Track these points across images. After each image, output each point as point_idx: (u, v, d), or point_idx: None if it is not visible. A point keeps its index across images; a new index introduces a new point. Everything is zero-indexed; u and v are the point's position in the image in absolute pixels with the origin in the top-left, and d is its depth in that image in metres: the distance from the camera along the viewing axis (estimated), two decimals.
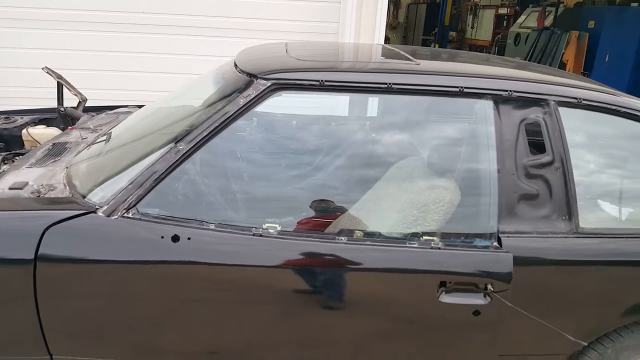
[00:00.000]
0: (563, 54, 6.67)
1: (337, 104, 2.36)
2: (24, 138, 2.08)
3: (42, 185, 1.42)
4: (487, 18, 10.83)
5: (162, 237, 1.27)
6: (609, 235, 1.42)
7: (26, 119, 2.24)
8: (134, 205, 1.28)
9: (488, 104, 1.43)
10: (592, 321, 1.45)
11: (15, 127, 2.14)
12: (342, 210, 1.61)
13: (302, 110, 2.14)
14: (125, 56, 3.60)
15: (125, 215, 1.28)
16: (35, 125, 2.17)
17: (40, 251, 1.24)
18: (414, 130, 1.85)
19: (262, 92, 1.36)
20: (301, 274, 1.34)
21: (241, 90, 1.38)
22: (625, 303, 1.43)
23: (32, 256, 1.24)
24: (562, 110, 1.44)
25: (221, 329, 1.39)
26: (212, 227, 1.30)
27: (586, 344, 1.48)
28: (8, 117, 2.23)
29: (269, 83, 1.36)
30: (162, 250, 1.27)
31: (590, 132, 1.56)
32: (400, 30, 15.09)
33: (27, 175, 1.49)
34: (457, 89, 1.42)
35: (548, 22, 7.77)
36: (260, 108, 1.42)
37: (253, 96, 1.35)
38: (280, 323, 1.39)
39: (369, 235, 1.40)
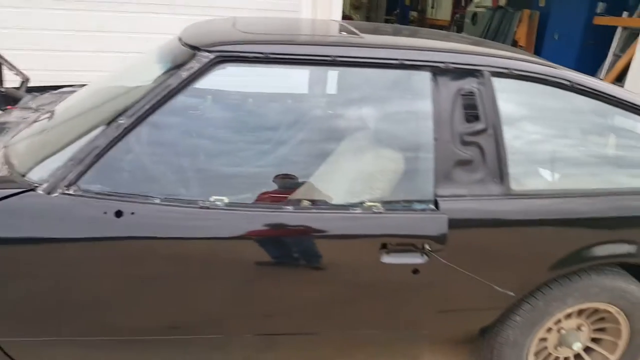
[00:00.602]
0: (515, 32, 6.85)
1: (298, 82, 2.36)
2: None
3: None
4: None
5: (105, 213, 1.25)
6: (537, 196, 1.50)
7: None
8: (74, 182, 1.26)
9: (426, 76, 1.47)
10: (523, 276, 1.54)
11: None
12: (298, 185, 1.63)
13: (257, 89, 2.13)
14: (68, 35, 3.43)
15: (66, 192, 1.25)
16: None
17: None
18: (362, 105, 1.88)
19: (206, 64, 1.35)
20: (250, 245, 1.35)
21: (184, 63, 1.37)
22: (552, 258, 1.53)
23: None
24: (495, 80, 1.51)
25: (173, 303, 1.39)
26: (157, 201, 1.29)
27: (519, 297, 1.59)
28: None
29: (212, 55, 1.36)
30: (106, 227, 1.26)
31: (521, 100, 1.63)
32: (363, 10, 15.07)
33: None
34: (397, 61, 1.45)
35: (503, 1, 7.92)
36: (211, 84, 1.41)
37: (196, 69, 1.34)
38: (232, 294, 1.41)
39: (316, 204, 1.43)
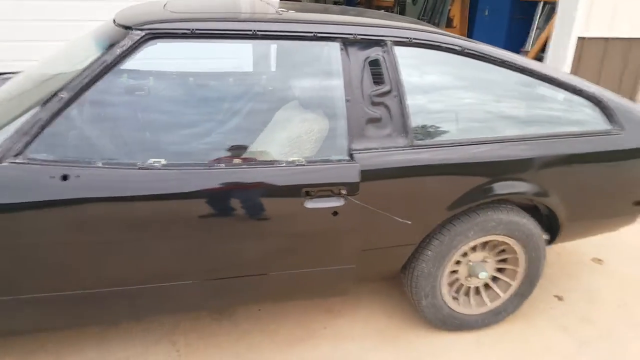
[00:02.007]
0: (450, 10, 7.11)
1: (242, 61, 2.47)
2: None
3: None
4: None
5: (52, 177, 1.36)
6: (436, 146, 1.71)
7: None
8: (22, 152, 1.37)
9: (337, 46, 1.64)
10: (430, 215, 1.76)
11: None
12: (237, 156, 1.76)
13: (189, 66, 2.22)
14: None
15: (14, 161, 1.36)
16: None
17: None
18: (291, 77, 2.04)
19: (137, 41, 1.47)
20: (188, 202, 1.48)
21: (117, 41, 1.48)
22: (451, 199, 1.75)
23: None
24: (397, 49, 1.69)
25: (121, 257, 1.51)
26: (100, 164, 1.41)
27: (427, 233, 1.81)
28: None
29: (143, 33, 1.48)
30: (54, 190, 1.37)
31: (421, 64, 1.82)
32: None
33: None
34: (312, 34, 1.61)
35: None
36: (146, 61, 1.52)
37: (129, 45, 1.46)
38: (175, 246, 1.54)
39: (246, 161, 1.59)
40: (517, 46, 6.24)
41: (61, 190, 1.37)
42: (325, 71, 1.72)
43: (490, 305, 2.08)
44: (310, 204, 1.57)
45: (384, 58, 1.67)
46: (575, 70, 5.12)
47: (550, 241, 2.13)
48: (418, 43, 1.72)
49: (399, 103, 1.67)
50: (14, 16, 3.35)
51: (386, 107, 1.66)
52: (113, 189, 1.42)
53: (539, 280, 2.11)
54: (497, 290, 2.09)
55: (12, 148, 1.36)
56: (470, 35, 7.00)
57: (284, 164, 1.56)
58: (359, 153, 1.62)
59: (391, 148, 1.66)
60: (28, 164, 1.36)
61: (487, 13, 6.66)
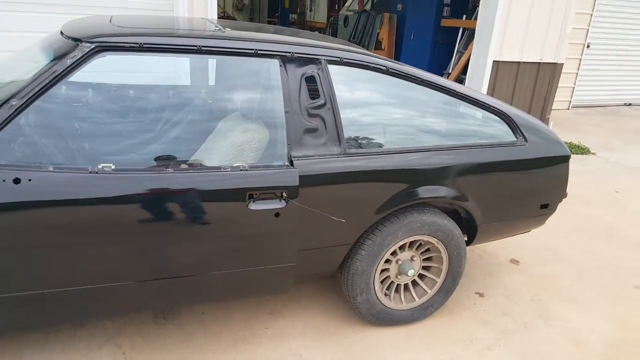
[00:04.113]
0: (378, 32, 7.71)
1: (180, 74, 2.63)
2: None
3: None
4: (322, 1, 11.67)
5: (4, 181, 1.46)
6: (365, 155, 1.98)
7: None
8: None
9: (277, 63, 1.88)
10: (362, 216, 2.02)
11: None
12: (184, 161, 1.92)
13: (141, 80, 2.37)
14: None
15: None
16: None
17: None
18: (233, 90, 2.24)
19: (87, 53, 1.60)
20: (137, 205, 1.62)
21: (67, 52, 1.61)
22: (380, 201, 2.02)
23: None
24: (331, 67, 1.96)
25: (69, 265, 1.60)
26: (51, 168, 1.53)
27: (361, 234, 2.06)
28: None
29: (92, 45, 1.62)
30: (5, 193, 1.46)
31: (351, 81, 2.10)
32: (246, 12, 15.36)
33: None
34: (253, 51, 1.84)
35: (369, 6, 8.80)
36: (96, 74, 1.64)
37: (79, 57, 1.59)
38: (123, 252, 1.66)
39: (193, 167, 1.76)
40: (440, 68, 6.90)
41: (13, 193, 1.46)
42: (265, 85, 1.95)
43: (418, 300, 2.37)
44: (254, 206, 1.76)
45: (318, 75, 1.93)
46: (491, 90, 5.78)
47: (469, 242, 2.47)
48: (349, 62, 2.01)
49: (332, 115, 1.93)
50: None
51: (321, 118, 1.92)
52: (64, 193, 1.52)
53: (462, 279, 2.43)
54: (424, 287, 2.38)
55: None
56: (397, 57, 7.61)
57: (228, 169, 1.75)
58: (298, 160, 1.86)
59: (326, 155, 1.91)
60: None
61: (412, 37, 7.31)
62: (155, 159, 1.84)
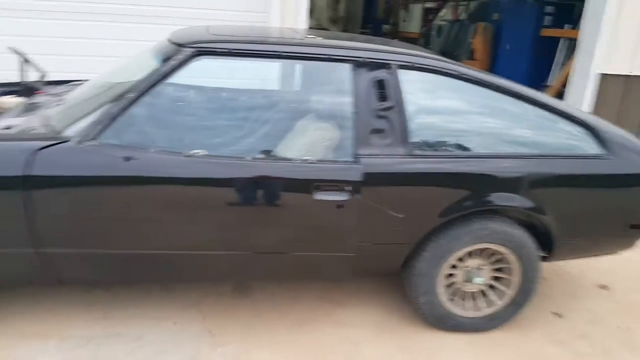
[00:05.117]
0: (471, 42, 7.61)
1: (270, 79, 2.97)
2: None
3: (26, 127, 1.98)
4: (416, 12, 11.74)
5: (118, 158, 1.83)
6: (432, 157, 2.08)
7: None
8: (96, 137, 1.84)
9: (349, 67, 2.07)
10: (424, 218, 2.11)
11: None
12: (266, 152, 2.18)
13: (233, 84, 2.72)
14: (71, 42, 4.09)
15: (90, 144, 1.83)
16: (3, 95, 2.64)
17: (32, 169, 1.78)
18: (309, 93, 2.48)
19: (187, 56, 1.94)
20: (221, 185, 1.91)
21: (172, 56, 1.95)
22: (444, 205, 2.09)
23: (21, 173, 1.78)
24: (401, 71, 2.10)
25: (163, 231, 1.94)
26: (153, 151, 1.87)
27: (423, 235, 2.14)
28: None
29: (192, 50, 1.94)
30: (119, 167, 1.83)
31: (422, 85, 2.21)
32: (342, 23, 15.90)
33: (13, 122, 2.03)
34: (326, 56, 2.06)
35: (464, 15, 8.73)
36: (194, 77, 1.97)
37: (181, 59, 1.93)
38: (207, 225, 1.96)
39: (268, 156, 2.03)
40: (539, 81, 6.62)
41: (124, 168, 1.83)
42: (337, 88, 2.14)
43: (486, 310, 2.37)
44: (319, 196, 1.96)
45: (388, 79, 2.08)
46: (594, 106, 5.43)
47: (547, 258, 2.40)
48: (420, 67, 2.14)
49: (400, 117, 2.06)
50: (85, 35, 4.14)
51: (389, 120, 2.06)
52: (162, 171, 1.87)
53: (539, 297, 2.37)
54: (493, 297, 2.38)
55: (89, 134, 1.84)
56: (491, 68, 7.44)
57: (298, 161, 1.98)
58: (363, 157, 2.02)
59: (392, 155, 2.04)
60: (100, 147, 1.84)
61: (509, 48, 7.12)
62: (239, 150, 2.11)
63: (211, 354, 2.13)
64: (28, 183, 1.78)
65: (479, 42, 7.51)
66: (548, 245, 2.36)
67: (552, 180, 2.18)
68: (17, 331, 2.15)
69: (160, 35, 3.84)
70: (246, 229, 2.01)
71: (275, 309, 2.47)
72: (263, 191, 1.96)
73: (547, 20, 6.75)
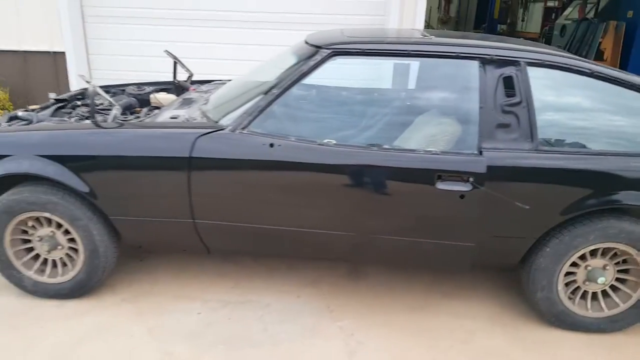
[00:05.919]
0: (600, 42, 7.08)
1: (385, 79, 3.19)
2: (151, 101, 3.03)
3: (188, 117, 2.38)
4: (537, 11, 11.20)
5: (264, 144, 2.15)
6: (558, 153, 2.12)
7: (151, 88, 3.21)
8: (246, 126, 2.18)
9: (476, 64, 2.19)
10: (547, 214, 2.15)
11: (145, 93, 3.11)
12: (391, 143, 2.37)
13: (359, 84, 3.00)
14: (213, 47, 4.81)
15: (241, 132, 2.17)
16: (158, 92, 3.13)
17: (193, 152, 2.16)
18: (433, 89, 2.63)
19: (325, 57, 2.20)
20: (347, 172, 2.14)
21: (311, 56, 2.23)
22: (568, 202, 2.12)
23: (188, 154, 2.16)
24: (530, 68, 2.17)
25: (291, 209, 2.22)
26: (292, 139, 2.16)
27: (546, 230, 2.18)
28: (139, 87, 3.20)
29: (329, 51, 2.20)
30: (264, 152, 2.15)
31: (552, 82, 2.25)
32: (451, 24, 15.63)
33: (177, 113, 2.46)
34: (454, 54, 2.19)
35: (591, 13, 8.15)
36: (326, 76, 2.23)
37: (319, 59, 2.20)
38: (333, 207, 2.20)
39: (393, 147, 2.21)
40: None
41: (268, 153, 2.14)
42: (463, 84, 2.27)
43: (607, 311, 2.33)
44: (442, 185, 2.11)
45: (517, 75, 2.16)
46: None
47: None
48: (550, 65, 2.18)
49: (527, 113, 2.13)
50: (228, 41, 4.84)
51: (515, 115, 2.14)
52: (300, 156, 2.14)
53: None
54: (616, 299, 2.33)
55: (241, 123, 2.19)
56: (624, 69, 6.87)
57: (422, 152, 2.14)
58: (487, 151, 2.12)
59: (517, 150, 2.12)
60: (250, 134, 2.17)
61: None
62: (365, 140, 2.33)
63: (330, 326, 2.38)
64: (191, 163, 2.16)
65: (608, 42, 6.99)
66: None
67: None
68: (171, 292, 2.59)
69: (288, 40, 4.26)
70: (369, 213, 2.20)
71: (389, 294, 2.65)
72: (387, 178, 2.14)
73: None
